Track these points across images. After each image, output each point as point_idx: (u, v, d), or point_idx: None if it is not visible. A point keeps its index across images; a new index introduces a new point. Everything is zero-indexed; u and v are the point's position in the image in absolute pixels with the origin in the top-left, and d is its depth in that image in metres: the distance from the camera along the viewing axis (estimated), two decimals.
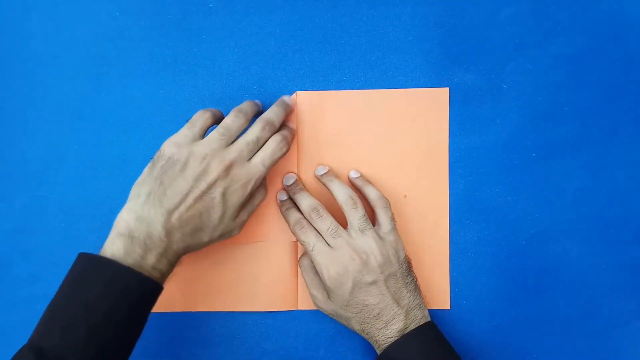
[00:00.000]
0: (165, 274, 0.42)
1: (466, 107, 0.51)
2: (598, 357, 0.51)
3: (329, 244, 0.45)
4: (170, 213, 0.41)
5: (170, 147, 0.42)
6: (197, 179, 0.41)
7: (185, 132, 0.43)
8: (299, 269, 0.50)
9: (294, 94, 0.50)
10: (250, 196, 0.44)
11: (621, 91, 0.51)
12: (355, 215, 0.45)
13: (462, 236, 0.51)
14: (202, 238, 0.43)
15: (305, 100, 0.50)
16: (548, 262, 0.51)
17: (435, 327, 0.45)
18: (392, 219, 0.47)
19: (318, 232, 0.46)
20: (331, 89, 0.51)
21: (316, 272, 0.47)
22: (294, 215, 0.47)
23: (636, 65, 0.51)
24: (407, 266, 0.46)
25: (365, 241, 0.44)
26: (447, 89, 0.50)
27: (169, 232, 0.41)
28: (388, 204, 0.47)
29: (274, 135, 0.45)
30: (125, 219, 0.41)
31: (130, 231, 0.40)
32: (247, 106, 0.45)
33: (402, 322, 0.44)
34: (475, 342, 0.51)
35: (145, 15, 0.51)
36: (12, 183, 0.51)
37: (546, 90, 0.51)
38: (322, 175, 0.49)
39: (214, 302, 0.50)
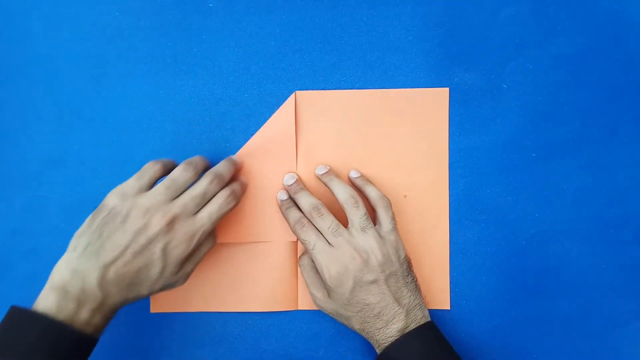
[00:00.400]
0: (99, 328, 0.41)
1: (466, 107, 0.51)
2: (598, 357, 0.51)
3: (329, 243, 0.45)
4: (106, 267, 0.39)
5: (114, 198, 0.42)
6: (138, 232, 0.40)
7: (132, 183, 0.42)
8: (298, 269, 0.50)
9: (293, 94, 0.50)
10: (196, 249, 0.43)
11: (621, 91, 0.51)
12: (356, 214, 0.45)
13: (462, 236, 0.51)
14: (141, 292, 0.42)
15: (304, 100, 0.50)
16: (548, 262, 0.51)
17: (435, 327, 0.45)
18: (393, 218, 0.47)
19: (319, 231, 0.46)
20: (331, 89, 0.51)
21: (316, 271, 0.47)
22: (294, 214, 0.47)
23: (636, 65, 0.51)
24: (408, 265, 0.46)
25: (366, 240, 0.44)
26: (447, 89, 0.50)
27: (104, 287, 0.39)
28: (389, 204, 0.47)
29: (223, 189, 0.44)
30: (61, 271, 0.40)
31: (64, 285, 0.39)
32: (197, 159, 0.45)
33: (403, 322, 0.44)
34: (475, 342, 0.51)
35: (145, 15, 0.51)
36: (12, 183, 0.51)
37: (546, 90, 0.51)
38: (322, 174, 0.49)
39: (214, 302, 0.50)
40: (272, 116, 0.50)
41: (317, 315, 0.51)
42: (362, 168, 0.50)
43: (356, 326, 0.45)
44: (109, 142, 0.51)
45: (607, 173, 0.51)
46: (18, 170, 0.51)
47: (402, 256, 0.46)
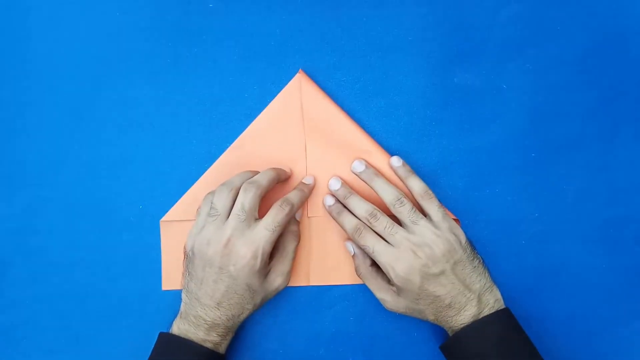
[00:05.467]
0: (219, 344, 0.45)
1: (466, 107, 0.51)
2: (598, 357, 0.51)
3: (388, 243, 0.45)
4: (200, 298, 0.44)
5: (187, 242, 0.46)
6: (206, 265, 0.44)
7: (196, 222, 0.46)
8: (312, 246, 0.50)
9: (298, 72, 0.50)
10: (272, 257, 0.46)
11: (621, 91, 0.51)
12: (404, 211, 0.45)
13: None
14: (245, 308, 0.45)
15: (309, 79, 0.50)
16: (548, 262, 0.51)
17: (511, 315, 0.45)
18: (440, 206, 0.46)
19: (375, 232, 0.46)
20: (331, 89, 0.51)
21: (378, 276, 0.47)
22: (350, 221, 0.47)
23: (636, 65, 0.51)
24: (471, 249, 0.46)
25: (422, 233, 0.44)
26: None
27: (208, 314, 0.44)
28: (432, 194, 0.46)
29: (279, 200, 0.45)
30: (183, 301, 0.46)
31: (182, 313, 0.45)
32: (232, 179, 0.46)
33: (476, 307, 0.44)
34: None
35: (145, 15, 0.51)
36: (12, 183, 0.51)
37: (546, 90, 0.51)
38: (360, 172, 0.48)
39: None
40: (277, 96, 0.50)
41: (317, 314, 0.51)
42: (370, 144, 0.50)
43: (430, 317, 0.45)
44: (109, 142, 0.51)
45: (607, 173, 0.51)
46: (18, 170, 0.51)
47: (464, 240, 0.45)
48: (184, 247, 0.46)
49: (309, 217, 0.50)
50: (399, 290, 0.45)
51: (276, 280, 0.46)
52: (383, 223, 0.45)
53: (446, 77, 0.51)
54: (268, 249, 0.44)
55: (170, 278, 0.50)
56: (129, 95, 0.51)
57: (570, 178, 0.51)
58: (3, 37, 0.51)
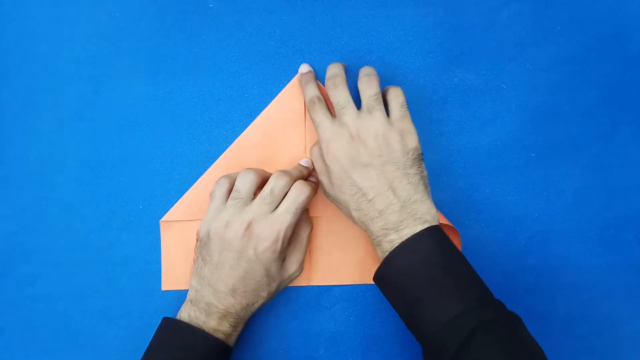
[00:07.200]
0: (228, 335, 0.44)
1: (466, 107, 0.51)
2: (598, 357, 0.51)
3: (337, 123, 0.44)
4: (214, 284, 0.43)
5: (201, 227, 0.45)
6: (224, 248, 0.43)
7: (210, 207, 0.45)
8: (312, 246, 0.50)
9: (301, 67, 0.50)
10: (288, 244, 0.45)
11: (621, 91, 0.51)
12: (367, 92, 0.44)
13: (462, 236, 0.51)
14: (260, 295, 0.45)
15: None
16: (548, 262, 0.51)
17: (442, 231, 0.42)
18: (403, 105, 0.44)
19: (330, 109, 0.45)
20: None
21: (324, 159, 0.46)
22: (310, 91, 0.46)
23: (636, 65, 0.51)
24: (415, 158, 0.44)
25: (370, 122, 0.43)
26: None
27: (221, 300, 0.43)
28: (400, 91, 0.45)
29: (296, 182, 0.45)
30: (192, 288, 0.45)
31: (192, 300, 0.45)
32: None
33: (397, 214, 0.42)
34: None
35: (145, 15, 0.51)
36: (12, 183, 0.51)
37: (546, 90, 0.51)
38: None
39: None
40: (277, 96, 0.50)
41: (317, 314, 0.51)
42: None
43: (354, 214, 0.44)
44: (109, 142, 0.51)
45: (607, 173, 0.51)
46: (18, 170, 0.51)
47: (410, 146, 0.43)
48: (197, 233, 0.46)
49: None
50: (329, 171, 0.44)
51: (291, 267, 0.46)
52: (340, 96, 0.44)
53: (446, 77, 0.51)
54: (289, 233, 0.44)
55: (170, 278, 0.50)
56: (129, 95, 0.51)
57: (570, 178, 0.51)
58: (3, 37, 0.51)
